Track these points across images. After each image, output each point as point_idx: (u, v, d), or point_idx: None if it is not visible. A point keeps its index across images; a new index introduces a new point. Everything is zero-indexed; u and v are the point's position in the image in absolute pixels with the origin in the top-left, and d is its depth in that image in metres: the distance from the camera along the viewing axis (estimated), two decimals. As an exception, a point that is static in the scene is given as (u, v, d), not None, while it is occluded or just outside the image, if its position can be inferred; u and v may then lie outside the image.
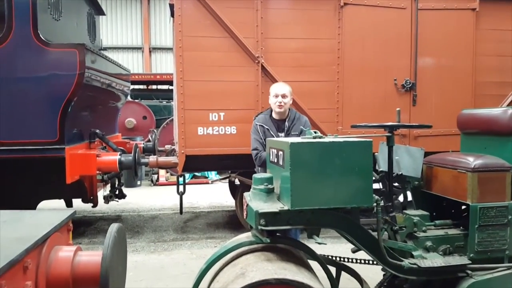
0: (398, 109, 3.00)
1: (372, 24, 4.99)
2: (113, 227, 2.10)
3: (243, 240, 2.57)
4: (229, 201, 7.31)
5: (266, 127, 3.55)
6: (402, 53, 5.08)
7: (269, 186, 2.46)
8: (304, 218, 2.35)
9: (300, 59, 4.82)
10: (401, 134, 5.07)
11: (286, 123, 3.56)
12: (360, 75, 4.98)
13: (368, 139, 2.36)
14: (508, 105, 5.17)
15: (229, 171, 5.46)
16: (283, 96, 3.50)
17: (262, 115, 3.68)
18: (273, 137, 3.44)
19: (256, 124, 3.60)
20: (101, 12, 7.06)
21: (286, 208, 2.29)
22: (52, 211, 2.47)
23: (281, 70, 4.73)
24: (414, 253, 2.61)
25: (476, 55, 5.23)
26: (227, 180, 6.63)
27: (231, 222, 6.13)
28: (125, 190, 6.25)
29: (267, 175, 2.52)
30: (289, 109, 3.63)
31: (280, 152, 2.44)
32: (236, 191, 5.53)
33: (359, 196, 2.32)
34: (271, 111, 3.63)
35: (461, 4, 5.15)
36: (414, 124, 2.84)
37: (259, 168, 3.65)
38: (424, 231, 2.79)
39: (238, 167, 5.10)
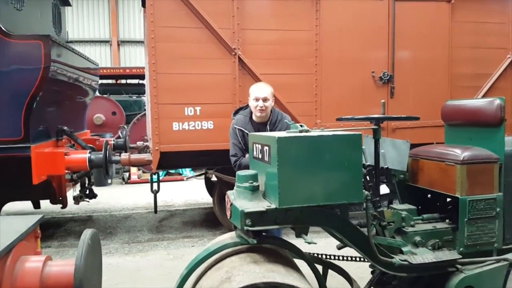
0: (382, 101, 2.93)
1: (350, 16, 4.93)
2: (87, 233, 1.91)
3: (227, 241, 2.43)
4: (205, 198, 7.14)
5: (246, 131, 3.31)
6: (380, 45, 5.04)
7: (254, 183, 2.32)
8: (292, 216, 2.23)
9: (277, 51, 4.69)
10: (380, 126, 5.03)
11: (268, 126, 3.35)
12: (338, 67, 4.90)
13: (357, 132, 2.26)
14: (483, 97, 5.23)
15: (206, 168, 5.28)
16: (265, 99, 3.25)
17: (241, 116, 3.45)
18: None
19: (235, 128, 3.38)
20: (66, 3, 6.70)
21: (273, 206, 2.17)
22: (17, 217, 2.24)
23: (258, 63, 4.59)
24: (404, 249, 2.54)
25: (452, 47, 5.26)
26: (202, 177, 6.47)
27: (208, 219, 5.97)
28: (95, 189, 5.98)
29: (251, 172, 2.38)
30: (271, 110, 3.42)
31: (266, 148, 2.30)
32: (213, 188, 5.36)
33: (349, 191, 2.23)
34: (251, 112, 3.40)
35: (437, -4, 5.15)
36: (401, 116, 2.77)
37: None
38: (412, 226, 2.74)
39: (215, 164, 4.93)
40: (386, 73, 5.02)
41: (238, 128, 3.36)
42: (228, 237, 2.51)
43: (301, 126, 2.39)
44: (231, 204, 2.32)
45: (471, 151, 2.52)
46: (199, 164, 5.16)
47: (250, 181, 2.32)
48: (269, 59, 4.64)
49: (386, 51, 5.06)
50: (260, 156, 2.45)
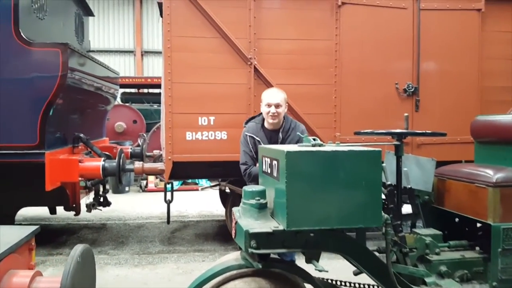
0: (406, 114, 2.71)
1: (371, 25, 4.72)
2: (77, 249, 1.78)
3: (231, 263, 2.26)
4: (219, 210, 6.98)
5: (257, 138, 3.18)
6: (404, 55, 4.80)
7: (261, 200, 2.15)
8: (302, 240, 2.04)
9: (295, 61, 4.53)
10: (403, 142, 4.77)
11: (280, 134, 3.19)
12: (359, 78, 4.69)
13: (376, 148, 2.06)
14: (516, 112, 4.90)
15: (219, 179, 5.12)
16: (277, 106, 3.12)
17: (253, 123, 3.31)
18: None
19: (246, 135, 3.24)
20: (90, 13, 6.76)
21: (281, 228, 1.98)
22: (11, 227, 2.13)
23: (275, 72, 4.43)
24: (427, 280, 2.31)
25: (482, 59, 4.96)
26: (218, 187, 6.32)
27: (221, 233, 5.80)
28: (112, 196, 5.92)
29: (259, 187, 2.21)
30: (284, 117, 3.27)
31: (274, 162, 2.13)
32: (227, 200, 5.19)
33: (366, 214, 2.02)
34: (263, 119, 3.26)
35: (466, 4, 4.89)
36: (426, 131, 2.54)
37: (247, 181, 3.32)
38: (438, 254, 2.50)
39: (228, 175, 4.77)
40: (410, 85, 4.77)
41: (249, 135, 3.21)
42: (233, 257, 2.34)
43: (314, 139, 2.20)
44: (236, 222, 2.14)
45: (505, 172, 2.27)
46: (212, 175, 5.02)
47: (257, 198, 2.14)
48: (286, 69, 4.48)
49: (411, 62, 4.82)
50: (268, 171, 2.28)
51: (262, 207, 2.14)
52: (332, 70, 4.58)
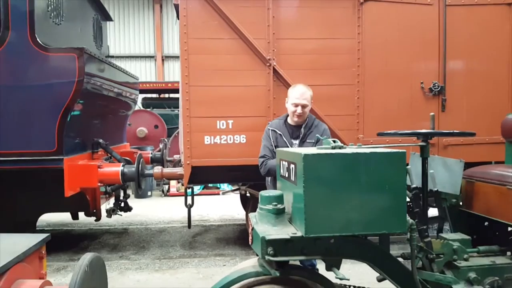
0: (432, 114, 2.56)
1: (395, 22, 4.55)
2: (85, 258, 1.72)
3: (248, 270, 2.16)
4: (240, 214, 6.90)
5: (279, 132, 3.16)
6: (429, 53, 4.62)
7: (279, 206, 2.05)
8: (322, 246, 1.94)
9: (315, 61, 4.41)
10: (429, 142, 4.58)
11: (302, 129, 3.16)
12: (383, 77, 4.53)
13: (400, 150, 1.93)
14: (550, 110, 4.64)
15: (240, 183, 5.05)
16: (304, 106, 3.09)
17: (276, 120, 3.30)
18: (286, 144, 3.12)
19: (269, 129, 3.23)
20: (108, 17, 6.81)
21: (299, 234, 1.88)
22: (23, 235, 2.10)
23: (295, 74, 4.32)
24: (455, 287, 2.15)
25: (512, 54, 4.73)
26: (239, 191, 6.25)
27: (243, 237, 5.71)
28: (134, 201, 5.93)
29: (276, 192, 2.11)
30: (308, 115, 3.23)
31: (292, 166, 2.03)
32: (247, 204, 5.11)
33: (390, 219, 1.90)
34: (287, 116, 3.24)
35: (495, -2, 4.66)
36: (454, 131, 2.39)
37: (269, 180, 3.25)
38: (466, 260, 2.34)
39: (248, 179, 4.69)
40: (436, 84, 4.58)
41: (271, 129, 3.19)
42: (251, 264, 2.24)
43: (334, 141, 2.10)
44: (253, 228, 2.06)
45: (541, 174, 2.10)
46: (231, 179, 4.95)
47: (274, 203, 2.05)
48: (306, 69, 4.36)
49: (436, 60, 4.62)
50: (286, 175, 2.18)
51: (279, 213, 2.04)
52: (355, 70, 4.44)
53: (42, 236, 1.96)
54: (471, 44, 4.67)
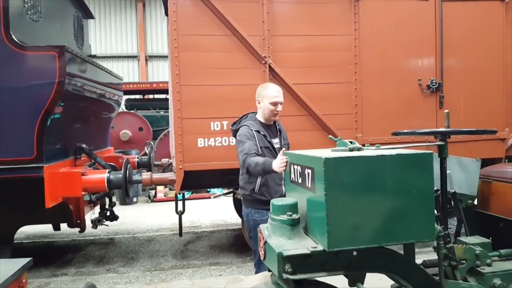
0: (446, 111, 2.40)
1: (392, 19, 4.41)
2: None
3: (261, 287, 1.94)
4: (233, 218, 6.68)
5: (263, 133, 3.07)
6: (426, 50, 4.50)
7: (294, 216, 1.85)
8: (344, 260, 1.74)
9: (312, 59, 4.22)
10: (428, 140, 4.46)
11: (279, 127, 3.22)
12: (380, 75, 4.38)
13: (428, 151, 1.75)
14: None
15: (234, 188, 4.82)
16: (281, 103, 3.10)
17: (251, 121, 3.12)
18: (271, 144, 3.06)
19: (252, 130, 3.06)
20: (89, 15, 6.48)
21: (320, 248, 1.68)
22: (2, 261, 1.83)
23: (291, 71, 4.13)
24: (482, 296, 1.99)
25: (508, 51, 4.64)
26: (231, 195, 6.02)
27: (237, 243, 5.49)
28: (119, 208, 5.63)
29: (290, 200, 1.91)
30: None
31: (307, 171, 1.83)
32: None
33: (418, 227, 1.73)
34: (255, 115, 3.19)
35: (490, -6, 4.57)
36: (475, 129, 2.24)
37: (244, 173, 3.07)
38: (489, 265, 2.19)
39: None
40: (434, 81, 4.45)
41: (255, 130, 3.05)
42: (262, 281, 2.02)
43: (351, 142, 1.91)
44: (265, 242, 1.84)
45: None
46: (226, 183, 4.72)
47: (289, 213, 1.84)
48: (303, 67, 4.18)
49: (434, 57, 4.50)
50: (299, 181, 1.97)
51: (295, 224, 1.84)
52: (352, 67, 4.28)
53: (22, 262, 1.69)
54: (467, 40, 4.58)
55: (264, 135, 3.05)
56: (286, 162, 2.24)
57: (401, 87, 4.43)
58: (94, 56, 6.60)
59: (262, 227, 1.92)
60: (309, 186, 1.81)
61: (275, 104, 3.03)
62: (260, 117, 3.14)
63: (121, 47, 16.17)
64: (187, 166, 4.04)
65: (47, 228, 5.85)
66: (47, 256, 5.34)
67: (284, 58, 4.13)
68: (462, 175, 2.44)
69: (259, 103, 3.12)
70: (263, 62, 4.09)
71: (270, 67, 4.09)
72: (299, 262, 1.68)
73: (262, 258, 1.89)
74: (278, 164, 2.54)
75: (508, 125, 4.55)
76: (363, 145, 1.93)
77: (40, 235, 6.34)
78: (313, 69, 4.20)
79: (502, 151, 4.64)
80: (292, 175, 2.09)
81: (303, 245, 1.73)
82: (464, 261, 2.16)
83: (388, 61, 4.39)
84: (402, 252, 1.91)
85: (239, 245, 5.32)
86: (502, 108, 4.71)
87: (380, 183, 1.68)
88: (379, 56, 4.37)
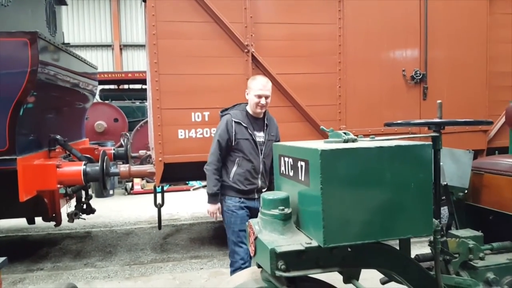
0: (439, 101, 2.34)
1: (377, 8, 4.36)
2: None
3: (251, 285, 1.86)
4: (213, 211, 6.55)
5: (245, 125, 3.00)
6: (411, 40, 4.48)
7: (286, 210, 1.76)
8: (339, 257, 1.68)
9: (296, 48, 4.14)
10: (411, 132, 4.45)
11: (266, 122, 3.10)
12: (365, 65, 4.34)
13: (424, 142, 1.70)
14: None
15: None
16: (267, 97, 3.00)
17: (237, 111, 3.08)
18: (251, 137, 2.99)
19: (232, 120, 2.99)
20: (62, 1, 6.19)
21: (315, 244, 1.60)
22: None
23: (274, 61, 4.03)
24: (475, 290, 1.97)
25: (490, 42, 4.67)
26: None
27: (218, 236, 5.39)
28: (96, 201, 5.43)
29: (282, 194, 1.82)
30: None
31: (301, 163, 1.74)
32: (224, 202, 4.78)
33: (416, 222, 1.68)
34: (245, 105, 3.11)
35: (474, -15, 4.57)
36: (471, 120, 2.18)
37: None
38: (482, 258, 2.17)
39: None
40: (418, 72, 4.44)
41: (235, 121, 2.99)
42: (251, 277, 1.94)
43: (344, 133, 1.83)
44: (256, 238, 1.75)
45: None
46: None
47: (281, 207, 1.76)
48: (286, 56, 4.09)
49: (418, 47, 4.49)
50: (291, 174, 1.89)
51: (286, 218, 1.75)
52: (336, 57, 4.21)
53: (-3, 261, 1.56)
54: (452, 32, 4.59)
55: (246, 127, 2.99)
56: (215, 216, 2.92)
57: (385, 78, 4.40)
58: (68, 44, 6.29)
59: (252, 222, 1.83)
60: (302, 179, 1.72)
61: (259, 96, 2.96)
62: (249, 108, 3.07)
63: (94, 36, 15.66)
64: (167, 158, 3.90)
65: (21, 222, 5.62)
66: (22, 251, 5.12)
67: (267, 47, 4.03)
68: (454, 167, 2.41)
69: (247, 94, 3.07)
70: (246, 50, 3.97)
71: (253, 56, 3.98)
72: (293, 258, 1.60)
73: (252, 254, 1.80)
74: (211, 210, 3.02)
75: (490, 116, 4.59)
76: (357, 136, 1.85)
77: (14, 229, 6.09)
78: (296, 58, 4.11)
79: (484, 142, 4.69)
80: (283, 168, 2.00)
81: (297, 241, 1.65)
82: (457, 255, 2.13)
83: (373, 51, 4.36)
84: (396, 247, 1.86)
85: (220, 238, 5.23)
86: (484, 100, 4.75)
87: (378, 176, 1.61)
88: (364, 46, 4.32)
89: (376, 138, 1.90)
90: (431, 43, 4.48)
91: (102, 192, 4.30)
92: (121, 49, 15.72)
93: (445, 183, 2.33)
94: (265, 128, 3.08)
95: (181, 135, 3.94)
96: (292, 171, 1.87)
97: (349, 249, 1.68)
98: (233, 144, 2.97)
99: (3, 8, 4.23)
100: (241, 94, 3.98)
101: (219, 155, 3.01)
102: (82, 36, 15.56)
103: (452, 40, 4.59)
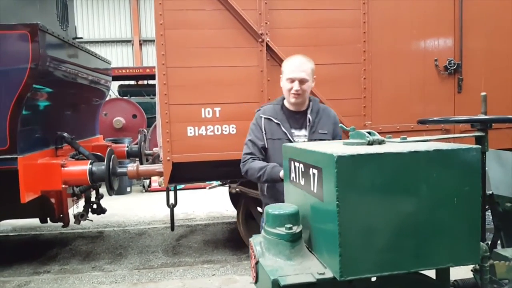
0: (483, 93, 1.95)
1: (405, -10, 3.92)
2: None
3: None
4: (230, 210, 6.30)
5: (276, 121, 2.38)
6: (444, 26, 4.02)
7: (295, 228, 1.43)
8: (360, 289, 1.32)
9: (315, 36, 3.76)
10: (444, 128, 4.02)
11: (309, 115, 2.39)
12: (392, 55, 3.92)
13: (472, 145, 1.33)
14: None
15: (228, 180, 4.39)
16: (302, 81, 2.31)
17: (269, 105, 2.52)
18: (287, 136, 2.34)
19: (261, 117, 2.42)
20: (74, -6, 6.00)
21: (329, 275, 1.26)
22: None
23: (291, 51, 3.59)
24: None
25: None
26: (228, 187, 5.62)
27: (233, 238, 5.11)
28: (111, 198, 5.22)
29: (290, 208, 1.49)
30: (310, 98, 2.47)
31: (313, 171, 1.40)
32: (239, 204, 4.47)
33: (458, 247, 1.32)
34: (283, 99, 2.49)
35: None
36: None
37: (265, 188, 2.44)
38: (536, 286, 1.76)
39: (239, 175, 4.02)
40: (452, 62, 3.99)
41: (265, 118, 2.40)
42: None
43: (369, 133, 1.48)
44: (257, 262, 1.43)
45: None
46: (219, 176, 4.29)
47: (288, 225, 1.42)
48: (304, 46, 3.70)
49: (452, 35, 4.03)
50: (302, 182, 1.55)
51: (295, 239, 1.42)
52: (360, 46, 3.81)
53: None
54: (489, 18, 4.09)
55: (279, 123, 2.37)
56: None
57: (415, 69, 3.97)
58: (79, 38, 6.10)
59: (254, 241, 1.50)
60: (315, 190, 1.39)
61: (291, 80, 2.31)
62: (285, 99, 2.46)
63: (114, 32, 15.57)
64: (176, 157, 3.62)
65: (35, 220, 5.48)
66: (32, 251, 4.99)
67: (284, 36, 3.67)
68: (501, 172, 2.01)
69: (281, 80, 2.44)
70: (260, 40, 3.63)
71: (267, 46, 3.63)
72: (301, 292, 1.27)
73: (253, 281, 1.48)
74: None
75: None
76: (385, 137, 1.50)
77: (27, 228, 5.99)
78: (316, 48, 3.73)
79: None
80: (293, 175, 1.67)
81: (307, 269, 1.32)
82: (505, 281, 1.75)
83: (401, 39, 3.93)
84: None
85: (235, 240, 4.94)
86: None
87: (411, 189, 1.26)
88: (391, 33, 3.90)
89: (409, 138, 1.55)
90: (467, 30, 4.02)
91: (109, 193, 4.06)
92: (140, 44, 15.60)
93: (491, 192, 1.94)
94: (307, 123, 2.40)
95: (191, 133, 3.64)
96: (303, 179, 1.53)
97: (373, 279, 1.34)
98: (256, 156, 2.39)
99: (7, 1, 4.03)
100: (254, 88, 3.69)
101: (257, 149, 2.39)
102: (102, 32, 15.51)
103: (490, 28, 4.11)
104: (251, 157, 2.41)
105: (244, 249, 4.64)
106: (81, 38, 6.51)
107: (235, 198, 5.00)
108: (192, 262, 4.50)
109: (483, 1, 4.07)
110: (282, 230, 1.42)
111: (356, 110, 3.86)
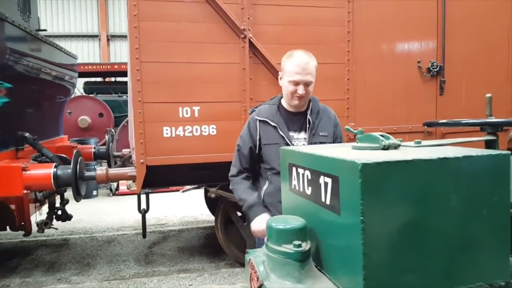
0: (488, 95, 1.85)
1: (389, -10, 3.84)
2: None
3: None
4: (205, 214, 6.06)
5: (273, 124, 2.16)
6: (427, 28, 3.96)
7: (304, 245, 1.25)
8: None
9: (299, 34, 3.60)
10: (426, 131, 3.97)
11: (309, 117, 2.18)
12: (377, 55, 3.83)
13: (503, 151, 1.20)
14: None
15: (206, 184, 4.16)
16: (307, 83, 2.09)
17: (265, 105, 2.27)
18: (284, 139, 2.13)
19: (256, 120, 2.19)
20: (36, -17, 5.58)
21: (348, 301, 1.09)
22: None
23: (275, 48, 3.49)
24: None
25: (514, 31, 4.19)
26: (202, 188, 5.39)
27: (209, 245, 4.88)
28: (77, 203, 4.86)
29: (297, 222, 1.31)
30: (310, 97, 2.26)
31: (326, 180, 1.23)
32: (217, 206, 4.25)
33: (487, 264, 1.18)
34: (280, 99, 2.27)
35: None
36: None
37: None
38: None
39: (218, 179, 3.84)
40: (435, 64, 3.94)
41: (260, 120, 2.17)
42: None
43: (382, 136, 1.32)
44: (261, 286, 1.24)
45: None
46: (197, 180, 4.04)
47: (297, 243, 1.24)
48: (288, 44, 3.48)
49: (435, 36, 3.98)
50: (308, 192, 1.37)
51: (305, 258, 1.24)
52: (344, 45, 3.69)
53: None
54: (472, 20, 4.07)
55: (276, 126, 2.15)
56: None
57: (398, 70, 3.89)
58: (45, 31, 5.70)
59: (256, 260, 1.31)
60: (328, 202, 1.22)
61: (295, 83, 2.08)
62: (284, 99, 2.24)
63: (80, 26, 14.92)
64: (150, 160, 3.36)
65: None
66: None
67: (267, 32, 3.49)
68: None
69: (280, 79, 2.21)
70: (242, 36, 3.43)
71: (250, 42, 3.44)
72: (315, 320, 1.10)
73: (255, 307, 1.29)
74: (258, 228, 2.07)
75: (512, 114, 4.13)
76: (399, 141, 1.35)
77: (-19, 236, 5.51)
78: (299, 46, 3.45)
79: (504, 142, 4.21)
80: (294, 182, 1.49)
81: (320, 293, 1.14)
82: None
83: (386, 39, 3.85)
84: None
85: (211, 247, 4.72)
86: (507, 96, 4.27)
87: (440, 200, 1.11)
88: (376, 33, 3.80)
89: (424, 142, 1.40)
90: (449, 32, 3.98)
91: (75, 198, 3.74)
92: (108, 39, 15.02)
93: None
94: (307, 125, 2.19)
95: (167, 134, 3.40)
96: (309, 188, 1.35)
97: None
98: (260, 152, 2.19)
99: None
100: (236, 87, 3.49)
101: (241, 167, 2.23)
102: (67, 26, 14.83)
103: (472, 30, 4.09)
104: (237, 173, 2.24)
105: (221, 256, 4.43)
106: (45, 30, 6.08)
107: (212, 203, 4.77)
108: (166, 271, 4.24)
109: (466, 3, 4.05)
110: (289, 248, 1.24)
111: (339, 111, 3.68)
